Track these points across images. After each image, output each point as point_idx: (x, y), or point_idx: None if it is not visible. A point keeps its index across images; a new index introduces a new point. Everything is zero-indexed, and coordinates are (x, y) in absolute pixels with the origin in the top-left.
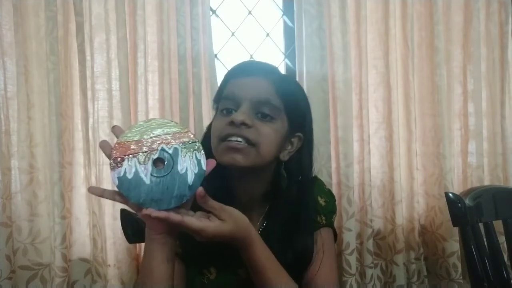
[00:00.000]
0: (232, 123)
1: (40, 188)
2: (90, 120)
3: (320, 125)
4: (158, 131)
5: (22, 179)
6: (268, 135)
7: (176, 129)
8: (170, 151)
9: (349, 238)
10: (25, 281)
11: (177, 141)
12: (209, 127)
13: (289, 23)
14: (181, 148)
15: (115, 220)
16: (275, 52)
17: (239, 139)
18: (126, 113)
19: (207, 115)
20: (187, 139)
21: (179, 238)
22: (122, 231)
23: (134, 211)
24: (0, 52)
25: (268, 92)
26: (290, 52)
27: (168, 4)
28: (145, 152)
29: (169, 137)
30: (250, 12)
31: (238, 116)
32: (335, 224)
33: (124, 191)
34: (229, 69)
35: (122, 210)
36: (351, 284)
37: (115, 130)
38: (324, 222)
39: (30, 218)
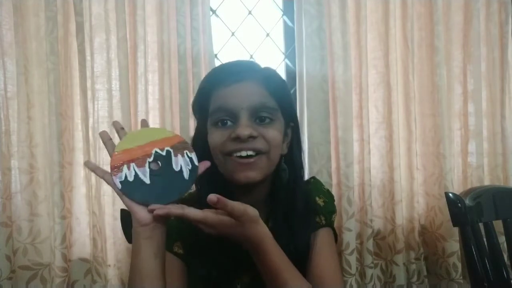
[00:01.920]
0: (237, 138)
1: (40, 188)
2: (90, 120)
3: (320, 125)
4: (149, 138)
5: (22, 179)
6: (274, 138)
7: (165, 134)
8: (164, 153)
9: (349, 238)
10: (25, 281)
11: (168, 144)
12: (195, 140)
13: (289, 23)
14: (173, 150)
15: (115, 220)
16: (275, 52)
17: (249, 152)
18: (126, 113)
19: None
20: (176, 142)
21: (181, 240)
22: (122, 231)
23: (123, 201)
24: (0, 52)
25: (261, 95)
26: (290, 52)
27: (168, 4)
28: (141, 157)
29: (160, 142)
30: (250, 12)
31: (243, 131)
32: (335, 224)
33: (128, 193)
34: (207, 76)
35: (122, 210)
36: (351, 284)
37: (115, 124)
38: (323, 222)
39: (30, 218)
